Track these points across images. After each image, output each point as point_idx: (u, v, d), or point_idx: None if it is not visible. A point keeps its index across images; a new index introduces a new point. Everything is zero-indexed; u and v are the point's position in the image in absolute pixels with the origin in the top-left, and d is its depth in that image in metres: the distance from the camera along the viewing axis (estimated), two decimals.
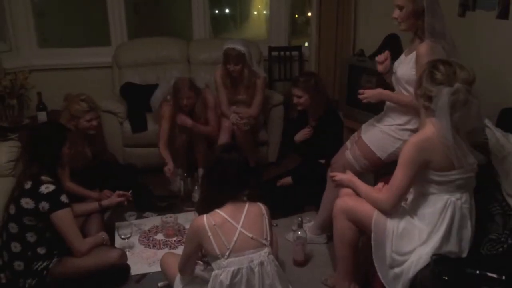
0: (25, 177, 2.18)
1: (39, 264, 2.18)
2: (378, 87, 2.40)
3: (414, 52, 2.18)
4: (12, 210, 2.16)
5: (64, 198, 2.16)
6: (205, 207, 1.91)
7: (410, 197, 1.96)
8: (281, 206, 2.97)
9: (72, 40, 4.35)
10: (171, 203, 3.15)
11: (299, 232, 2.47)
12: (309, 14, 4.39)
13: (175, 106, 3.27)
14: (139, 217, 2.98)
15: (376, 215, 1.90)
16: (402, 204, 1.95)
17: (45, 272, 2.18)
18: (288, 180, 3.14)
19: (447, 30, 2.15)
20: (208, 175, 1.95)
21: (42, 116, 3.44)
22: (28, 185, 2.13)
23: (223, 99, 3.46)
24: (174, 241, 2.73)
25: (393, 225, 1.87)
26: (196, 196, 3.02)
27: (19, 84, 3.45)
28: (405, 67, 2.24)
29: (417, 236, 1.84)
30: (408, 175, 1.80)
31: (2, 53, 3.74)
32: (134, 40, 4.18)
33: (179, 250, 2.55)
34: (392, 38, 3.42)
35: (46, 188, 2.12)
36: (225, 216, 1.85)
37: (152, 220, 2.98)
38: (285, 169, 3.38)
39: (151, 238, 2.77)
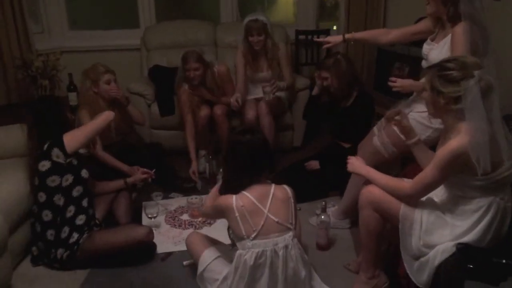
0: (34, 148, 2.30)
1: (69, 234, 2.27)
2: (409, 76, 2.36)
3: (449, 36, 2.14)
4: (36, 181, 2.28)
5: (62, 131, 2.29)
6: (227, 190, 1.93)
7: (442, 193, 1.90)
8: (306, 190, 2.97)
9: (102, 23, 4.41)
10: (196, 185, 3.19)
11: (322, 216, 2.47)
12: None
13: (187, 82, 3.30)
14: (165, 197, 3.05)
15: (403, 206, 1.88)
16: (434, 198, 1.91)
17: (75, 247, 2.27)
18: (315, 163, 3.14)
19: (484, 18, 2.09)
20: (226, 159, 1.97)
21: (73, 97, 3.52)
22: (37, 152, 2.26)
23: (240, 79, 3.44)
24: (200, 221, 2.78)
25: (421, 218, 1.84)
26: (220, 178, 3.05)
27: (51, 65, 3.53)
28: (440, 52, 2.18)
29: (448, 231, 1.80)
30: (440, 177, 1.76)
31: (35, 35, 3.82)
32: (162, 22, 4.21)
33: (204, 231, 2.61)
34: None
35: (45, 144, 2.25)
36: (253, 199, 1.87)
37: (178, 201, 3.04)
38: (311, 153, 3.37)
39: (176, 218, 2.83)
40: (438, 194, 1.90)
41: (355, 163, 2.10)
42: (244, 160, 1.88)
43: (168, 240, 2.60)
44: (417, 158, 2.03)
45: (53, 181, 2.24)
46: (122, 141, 3.02)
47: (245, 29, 3.33)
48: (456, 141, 1.70)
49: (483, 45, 2.07)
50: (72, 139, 2.28)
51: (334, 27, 4.43)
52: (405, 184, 1.90)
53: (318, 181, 3.08)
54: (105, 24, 4.36)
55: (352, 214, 2.63)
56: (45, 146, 2.24)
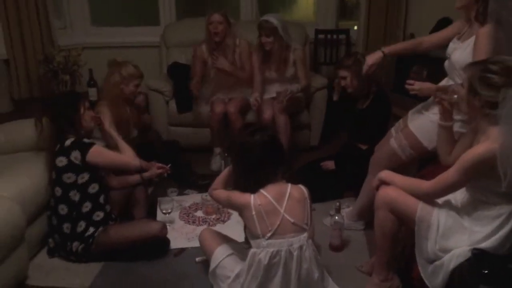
0: (53, 142, 2.33)
1: (85, 228, 2.31)
2: (428, 79, 2.32)
3: (473, 37, 2.09)
4: (53, 175, 2.32)
5: (87, 140, 2.32)
6: (240, 188, 1.93)
7: (462, 196, 1.86)
8: (321, 190, 2.95)
9: (123, 19, 4.46)
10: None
11: (336, 217, 2.45)
12: None
13: (208, 43, 3.41)
14: (180, 194, 3.06)
15: (420, 209, 1.85)
16: (453, 201, 1.87)
17: (91, 240, 2.30)
18: (331, 164, 3.12)
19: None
20: (236, 160, 1.97)
21: (93, 92, 3.58)
22: (57, 147, 2.29)
23: (257, 77, 3.46)
24: (213, 218, 2.79)
25: (438, 222, 1.81)
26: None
27: (72, 61, 3.59)
28: (462, 52, 2.15)
29: (466, 237, 1.76)
30: (462, 179, 1.72)
31: (58, 30, 3.89)
32: (182, 20, 4.23)
33: (218, 228, 2.62)
34: (445, 22, 3.28)
35: (69, 140, 2.28)
36: (271, 198, 1.86)
37: (193, 197, 3.05)
38: (327, 153, 3.35)
39: (191, 215, 2.84)
40: (458, 197, 1.86)
41: (381, 176, 2.05)
42: (254, 160, 1.88)
43: (181, 236, 2.62)
44: (439, 141, 2.02)
45: (69, 177, 2.28)
46: (140, 136, 3.05)
47: (257, 26, 3.36)
48: (484, 146, 1.66)
49: (508, 48, 2.02)
50: (97, 155, 2.30)
51: (355, 27, 4.40)
52: (425, 182, 1.86)
53: (333, 182, 3.06)
54: (126, 20, 4.42)
55: (366, 215, 2.60)
56: (67, 143, 2.27)
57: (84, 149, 2.27)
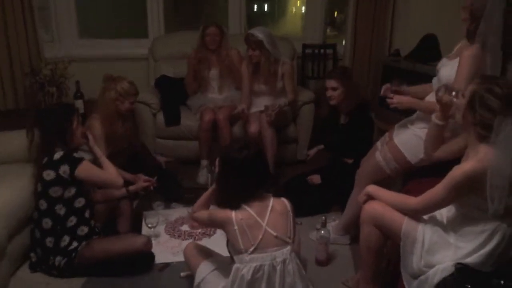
0: (41, 154, 2.29)
1: (68, 242, 2.27)
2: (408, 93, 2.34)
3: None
4: (39, 187, 2.28)
5: (77, 155, 2.30)
6: (224, 205, 1.92)
7: (447, 210, 1.86)
8: (307, 205, 2.96)
9: (111, 32, 4.46)
10: (198, 195, 3.18)
11: (322, 231, 2.46)
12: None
13: (199, 51, 3.59)
14: (166, 207, 3.04)
15: (405, 224, 1.85)
16: (438, 217, 1.88)
17: (74, 254, 2.27)
18: (317, 178, 3.12)
19: (499, 46, 2.07)
20: (221, 176, 1.95)
21: (79, 104, 3.55)
22: (44, 160, 2.26)
23: (245, 89, 3.51)
24: (199, 233, 2.77)
25: (423, 237, 1.82)
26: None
27: (59, 73, 3.57)
28: (449, 69, 2.18)
29: (451, 252, 1.76)
30: (450, 197, 1.73)
31: (45, 43, 3.87)
32: (171, 33, 4.26)
33: (204, 242, 2.59)
34: (429, 38, 3.34)
35: (58, 154, 2.24)
36: (252, 212, 1.85)
37: (179, 211, 3.03)
38: (314, 168, 3.36)
39: (176, 229, 2.82)
40: (443, 212, 1.87)
41: (368, 191, 2.05)
42: (240, 176, 1.87)
43: (166, 250, 2.59)
44: (428, 135, 2.04)
45: (55, 191, 2.25)
46: (128, 148, 3.03)
47: (244, 41, 3.41)
48: (471, 164, 1.66)
49: (492, 71, 2.06)
50: (86, 171, 2.26)
51: (343, 42, 4.46)
52: (412, 199, 1.87)
53: (319, 196, 3.06)
54: (114, 33, 4.41)
55: (352, 230, 2.61)
56: (57, 156, 2.23)
57: (74, 164, 2.24)
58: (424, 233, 1.83)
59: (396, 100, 2.26)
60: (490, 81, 1.69)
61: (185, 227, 2.84)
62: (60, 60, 3.72)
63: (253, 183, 1.90)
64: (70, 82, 3.67)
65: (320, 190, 3.08)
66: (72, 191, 2.28)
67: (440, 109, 1.95)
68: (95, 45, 4.29)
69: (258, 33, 3.31)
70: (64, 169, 2.22)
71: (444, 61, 2.28)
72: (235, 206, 1.87)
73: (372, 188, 2.03)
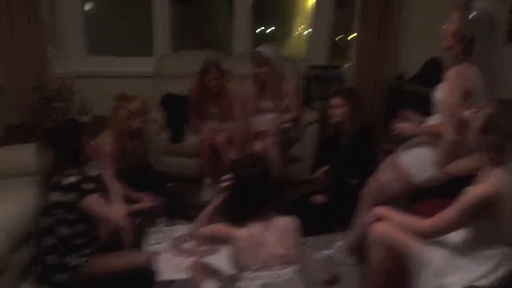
0: (51, 172, 2.24)
1: (70, 260, 2.24)
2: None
3: None
4: (44, 204, 2.24)
5: (86, 186, 2.21)
6: (228, 219, 1.90)
7: (455, 235, 1.84)
8: (312, 225, 2.92)
9: (118, 49, 4.51)
10: None
11: (327, 252, 2.43)
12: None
13: (200, 87, 3.49)
14: (169, 224, 3.02)
15: (416, 246, 1.84)
16: (448, 240, 1.86)
17: (75, 271, 2.24)
18: (320, 198, 3.11)
19: (497, 63, 2.10)
20: (226, 190, 1.94)
21: (85, 120, 3.57)
22: (53, 179, 2.21)
23: (251, 107, 3.52)
24: (203, 250, 2.73)
25: (435, 260, 1.80)
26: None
27: (66, 89, 3.59)
28: (440, 92, 2.22)
29: (461, 276, 1.74)
30: (462, 220, 1.72)
31: (52, 58, 3.91)
32: (176, 52, 4.30)
33: (207, 259, 2.57)
34: (433, 62, 3.37)
35: (68, 180, 2.17)
36: (257, 230, 1.84)
37: (182, 229, 3.00)
38: (318, 187, 3.35)
39: (179, 246, 2.79)
40: (453, 235, 1.85)
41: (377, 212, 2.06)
42: (247, 194, 1.87)
43: (170, 267, 2.56)
44: (442, 149, 2.03)
45: (59, 213, 2.20)
46: (134, 166, 3.03)
47: (250, 58, 3.44)
48: (483, 188, 1.66)
49: (486, 89, 2.08)
50: (91, 205, 2.19)
51: (346, 65, 4.49)
52: (423, 222, 1.85)
53: (324, 216, 3.04)
54: (121, 51, 4.46)
55: (357, 250, 2.58)
56: (67, 180, 2.17)
57: (82, 194, 2.18)
58: (433, 256, 1.81)
59: (399, 127, 2.30)
60: (505, 106, 1.68)
61: (189, 245, 2.81)
62: (67, 75, 3.75)
63: (259, 201, 1.88)
64: (76, 98, 3.69)
65: (323, 210, 3.06)
66: (76, 215, 2.23)
67: (456, 123, 1.94)
68: (102, 62, 4.33)
69: (266, 50, 3.35)
70: (71, 197, 2.16)
71: (439, 85, 2.30)
72: (240, 223, 1.86)
73: (381, 210, 2.01)
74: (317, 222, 2.99)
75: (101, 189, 2.34)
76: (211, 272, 2.11)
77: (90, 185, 2.21)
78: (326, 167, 3.22)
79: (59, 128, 2.40)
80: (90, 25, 4.31)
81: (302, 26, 4.98)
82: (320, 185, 3.31)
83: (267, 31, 5.02)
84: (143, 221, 2.99)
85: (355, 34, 4.17)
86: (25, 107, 3.72)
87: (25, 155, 2.53)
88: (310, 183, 3.65)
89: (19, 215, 2.29)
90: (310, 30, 4.52)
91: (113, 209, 2.33)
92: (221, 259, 2.52)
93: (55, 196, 2.18)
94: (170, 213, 3.08)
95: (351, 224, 2.65)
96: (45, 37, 3.76)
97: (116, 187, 2.45)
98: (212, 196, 3.32)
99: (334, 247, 2.60)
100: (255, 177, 1.85)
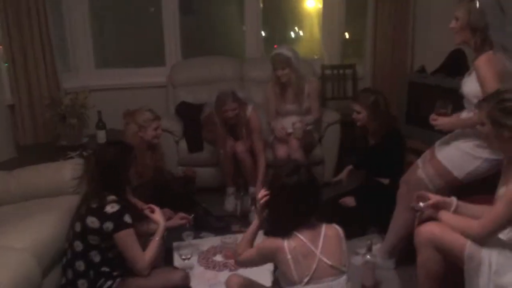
0: (91, 195, 2.16)
1: (102, 282, 2.15)
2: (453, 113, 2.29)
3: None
4: (78, 228, 2.14)
5: (127, 219, 2.12)
6: (275, 233, 1.80)
7: (508, 231, 1.77)
8: (343, 228, 2.83)
9: (128, 61, 4.44)
10: (228, 224, 3.09)
11: (368, 256, 2.34)
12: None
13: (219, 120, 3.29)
14: (196, 237, 2.92)
15: (469, 246, 1.76)
16: (501, 237, 1.78)
17: None
18: (350, 200, 3.01)
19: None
20: (272, 202, 1.83)
21: (102, 134, 3.49)
22: (94, 204, 2.12)
23: (271, 110, 3.46)
24: (234, 262, 2.64)
25: (489, 259, 1.72)
26: (252, 216, 2.95)
27: (80, 104, 3.51)
28: (469, 84, 2.17)
29: None
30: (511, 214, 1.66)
31: (62, 74, 3.83)
32: (188, 59, 4.23)
33: (240, 272, 2.47)
34: (457, 53, 3.28)
35: (112, 208, 2.09)
36: (305, 240, 1.74)
37: (210, 241, 2.91)
38: (346, 189, 3.25)
39: (210, 259, 2.70)
40: (505, 231, 1.77)
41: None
42: (292, 202, 1.76)
43: (204, 282, 2.47)
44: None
45: (93, 239, 2.12)
46: (154, 179, 2.94)
47: (271, 61, 3.36)
48: None
49: None
50: (124, 240, 2.09)
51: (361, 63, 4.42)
52: (475, 222, 1.78)
53: (355, 218, 2.94)
54: (132, 63, 4.39)
55: (397, 253, 2.49)
56: (109, 209, 2.07)
57: (119, 227, 2.09)
58: (490, 254, 1.72)
59: (441, 122, 2.22)
60: (494, 96, 1.72)
61: (219, 257, 2.72)
62: (79, 90, 3.68)
63: (305, 209, 1.78)
64: (90, 113, 3.61)
65: (354, 213, 2.96)
66: (110, 243, 2.14)
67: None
68: (112, 74, 4.25)
69: (286, 51, 3.29)
70: (109, 225, 2.08)
71: (464, 79, 2.26)
72: (287, 234, 1.76)
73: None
74: (348, 225, 2.88)
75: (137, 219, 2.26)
76: (251, 285, 2.02)
77: (129, 219, 2.12)
78: (350, 167, 3.14)
79: (110, 150, 2.26)
80: (100, 39, 4.25)
81: (312, 27, 4.90)
82: (348, 186, 3.22)
83: (277, 34, 4.95)
84: (169, 235, 2.91)
85: (368, 30, 4.08)
86: (38, 126, 3.65)
87: (46, 175, 2.46)
88: (335, 185, 3.57)
89: (50, 238, 2.20)
90: (322, 29, 4.44)
91: (146, 254, 2.18)
92: (255, 270, 2.43)
93: (93, 223, 2.09)
94: (196, 225, 2.98)
95: (387, 226, 2.55)
96: (55, 53, 3.67)
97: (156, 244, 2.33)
98: (235, 205, 3.25)
99: (373, 251, 2.50)
100: (302, 183, 1.76)
